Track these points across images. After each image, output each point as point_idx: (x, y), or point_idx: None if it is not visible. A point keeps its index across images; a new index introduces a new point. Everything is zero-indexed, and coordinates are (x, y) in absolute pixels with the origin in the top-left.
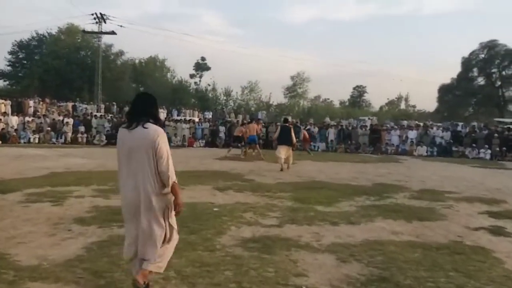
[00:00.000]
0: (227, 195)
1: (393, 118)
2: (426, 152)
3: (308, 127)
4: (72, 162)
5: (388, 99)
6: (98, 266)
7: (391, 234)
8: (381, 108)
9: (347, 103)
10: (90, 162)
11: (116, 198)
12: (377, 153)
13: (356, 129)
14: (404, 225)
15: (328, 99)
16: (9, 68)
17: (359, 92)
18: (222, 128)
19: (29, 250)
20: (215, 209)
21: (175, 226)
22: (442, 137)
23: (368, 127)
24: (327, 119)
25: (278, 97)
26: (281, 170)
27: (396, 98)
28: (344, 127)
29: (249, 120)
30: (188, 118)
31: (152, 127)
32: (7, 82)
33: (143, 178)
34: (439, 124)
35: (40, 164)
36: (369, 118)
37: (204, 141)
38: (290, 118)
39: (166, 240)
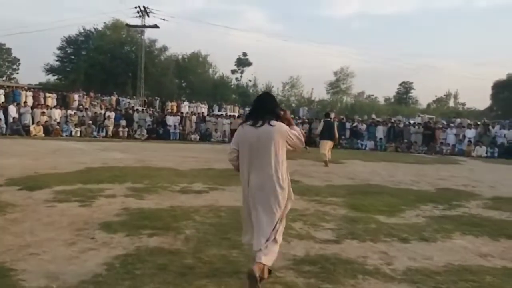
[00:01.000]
0: None
1: (442, 116)
2: (486, 153)
3: (355, 123)
4: (111, 156)
5: (436, 96)
6: None
7: (478, 256)
8: (428, 105)
9: (392, 100)
10: (128, 157)
11: (150, 199)
12: (431, 153)
13: (408, 126)
14: (490, 244)
15: (373, 95)
16: (57, 63)
17: (405, 88)
18: None
19: (40, 265)
20: None
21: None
22: (504, 136)
23: (422, 125)
24: (373, 116)
25: (320, 93)
26: (325, 165)
27: (444, 95)
28: (395, 124)
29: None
30: (229, 113)
31: (277, 124)
32: (56, 77)
33: (268, 172)
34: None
35: (77, 158)
36: (418, 115)
37: None
38: (333, 114)
39: (275, 231)
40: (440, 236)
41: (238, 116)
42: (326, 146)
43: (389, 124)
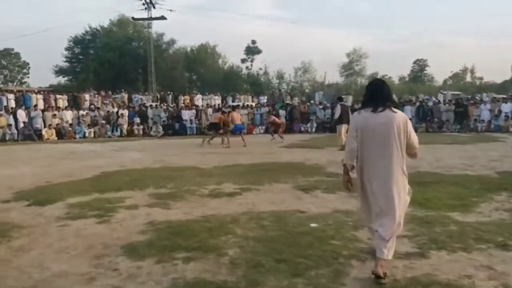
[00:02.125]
0: (316, 199)
1: (460, 92)
2: None
3: None
4: (127, 157)
5: (451, 71)
6: None
7: None
8: (445, 81)
9: (407, 79)
10: (146, 156)
11: (178, 208)
12: (465, 131)
13: (438, 104)
14: None
15: (387, 75)
16: (66, 64)
17: (420, 66)
18: (282, 112)
19: None
20: (312, 225)
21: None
22: None
23: (453, 102)
24: (394, 96)
25: (334, 76)
26: (341, 149)
27: (460, 70)
28: (423, 103)
29: (231, 108)
30: (245, 103)
31: (399, 112)
32: (66, 78)
33: (393, 160)
34: None
35: (92, 162)
36: (441, 93)
37: (263, 127)
38: (350, 97)
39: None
40: None
41: (217, 110)
42: (345, 130)
43: (417, 103)
